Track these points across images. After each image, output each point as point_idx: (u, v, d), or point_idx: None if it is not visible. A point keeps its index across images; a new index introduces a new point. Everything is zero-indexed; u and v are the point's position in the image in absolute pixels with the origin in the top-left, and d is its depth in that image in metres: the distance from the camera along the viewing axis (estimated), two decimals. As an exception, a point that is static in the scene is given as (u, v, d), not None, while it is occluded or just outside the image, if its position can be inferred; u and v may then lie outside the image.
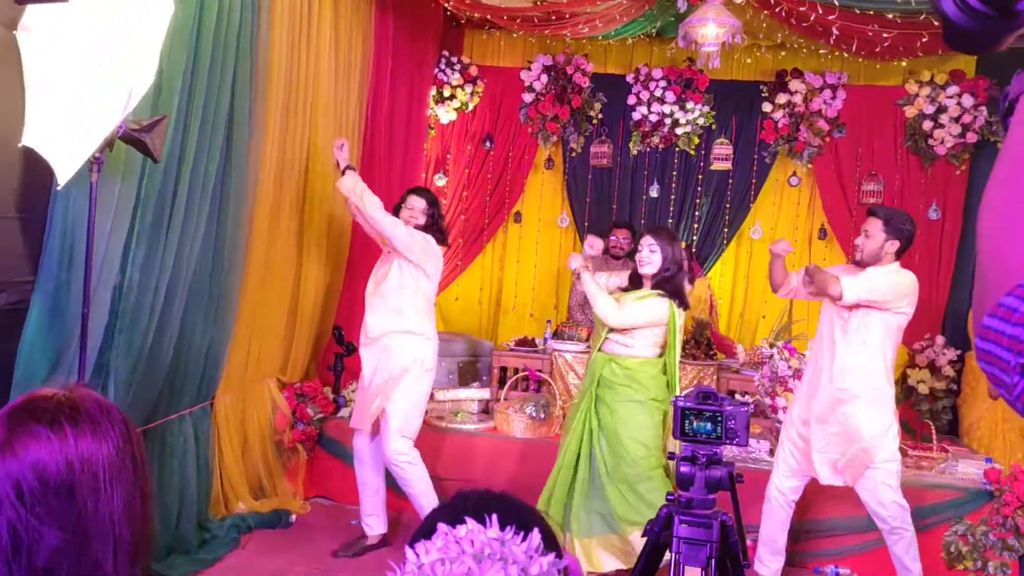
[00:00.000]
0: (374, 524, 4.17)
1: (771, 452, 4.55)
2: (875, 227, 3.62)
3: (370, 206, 3.94)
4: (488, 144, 6.65)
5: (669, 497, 1.89)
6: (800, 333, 5.38)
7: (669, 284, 3.76)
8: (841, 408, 3.64)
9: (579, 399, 3.90)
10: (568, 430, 3.87)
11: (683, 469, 1.85)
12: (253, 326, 4.38)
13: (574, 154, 6.63)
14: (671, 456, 1.93)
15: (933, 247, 6.00)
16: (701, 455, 1.83)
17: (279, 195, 4.41)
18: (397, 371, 4.00)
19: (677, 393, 3.86)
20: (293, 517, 4.50)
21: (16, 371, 2.84)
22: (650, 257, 3.72)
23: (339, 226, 5.10)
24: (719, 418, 1.86)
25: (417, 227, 4.03)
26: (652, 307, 3.72)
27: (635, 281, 3.88)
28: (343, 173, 4.06)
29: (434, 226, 4.10)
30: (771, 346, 4.91)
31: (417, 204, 4.08)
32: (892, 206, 4.61)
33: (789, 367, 4.73)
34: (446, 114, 6.56)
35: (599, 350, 3.84)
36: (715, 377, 5.19)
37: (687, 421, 1.87)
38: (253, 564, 3.94)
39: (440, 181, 6.63)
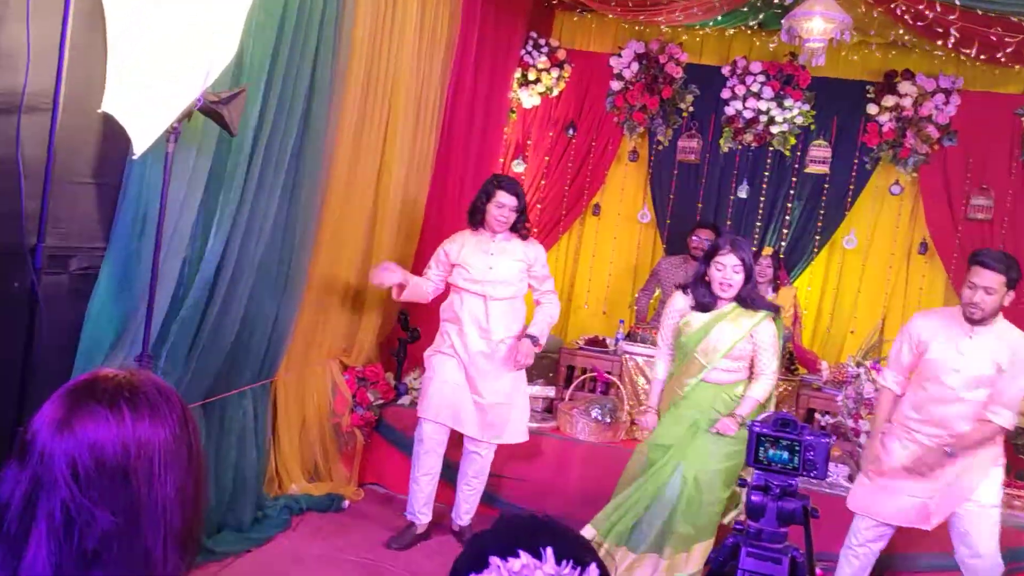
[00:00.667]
0: (428, 513, 4.23)
1: (850, 478, 4.42)
2: (996, 282, 3.40)
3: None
4: (571, 132, 6.61)
5: (737, 526, 1.84)
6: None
7: (753, 294, 3.71)
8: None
9: (676, 425, 3.76)
10: (662, 450, 3.75)
11: (754, 499, 1.79)
12: (320, 306, 4.45)
13: (660, 147, 6.53)
14: (741, 483, 1.87)
15: (1045, 270, 5.71)
16: (775, 485, 1.77)
17: (353, 174, 4.45)
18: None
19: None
20: (346, 503, 4.56)
21: (83, 337, 2.93)
22: (733, 278, 3.65)
23: (412, 209, 5.13)
24: (797, 448, 1.79)
25: (503, 224, 4.05)
26: (774, 335, 3.72)
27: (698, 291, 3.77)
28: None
29: (520, 222, 4.13)
30: (858, 365, 4.77)
31: (508, 202, 4.07)
32: (995, 248, 4.27)
33: (876, 389, 4.57)
34: (529, 98, 6.54)
35: (702, 380, 3.74)
36: (795, 394, 5.06)
37: (762, 448, 1.81)
38: (302, 548, 4.02)
39: (518, 167, 6.61)
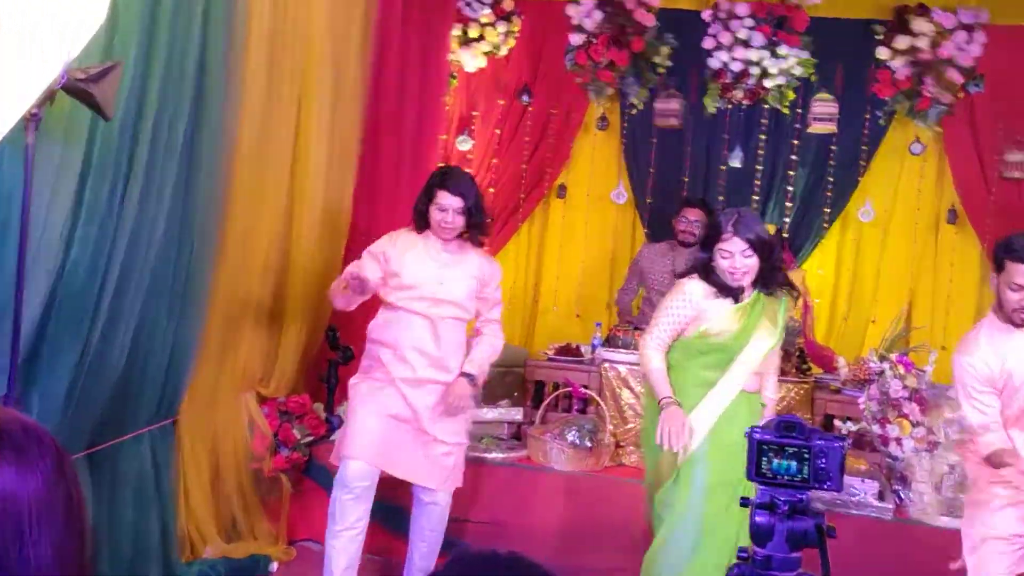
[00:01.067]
0: None
1: (880, 495, 4.51)
2: None
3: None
4: (525, 98, 6.65)
5: (741, 554, 1.88)
6: (921, 343, 5.32)
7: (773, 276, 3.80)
8: None
9: (730, 459, 3.48)
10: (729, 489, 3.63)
11: (759, 519, 1.83)
12: (228, 325, 4.43)
13: (634, 112, 6.60)
14: (744, 502, 1.91)
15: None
16: (782, 502, 1.81)
17: (262, 166, 4.43)
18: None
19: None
20: (274, 565, 4.55)
21: (-67, 377, 2.89)
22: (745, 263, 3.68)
23: (336, 205, 5.13)
24: (806, 455, 1.83)
25: (448, 231, 4.02)
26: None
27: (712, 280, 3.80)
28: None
29: (476, 227, 4.10)
30: (882, 359, 4.86)
31: (452, 204, 3.98)
32: None
33: (905, 387, 4.68)
34: (473, 60, 6.57)
35: (742, 391, 3.77)
36: (809, 398, 5.15)
37: (764, 459, 1.85)
38: (223, 622, 3.99)
39: (464, 145, 6.65)
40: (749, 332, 3.73)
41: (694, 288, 3.75)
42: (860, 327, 6.51)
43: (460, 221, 4.00)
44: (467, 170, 5.99)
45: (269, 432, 4.75)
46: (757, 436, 1.87)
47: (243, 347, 4.61)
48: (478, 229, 4.09)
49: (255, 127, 4.31)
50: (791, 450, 1.85)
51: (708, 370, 3.76)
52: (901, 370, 4.75)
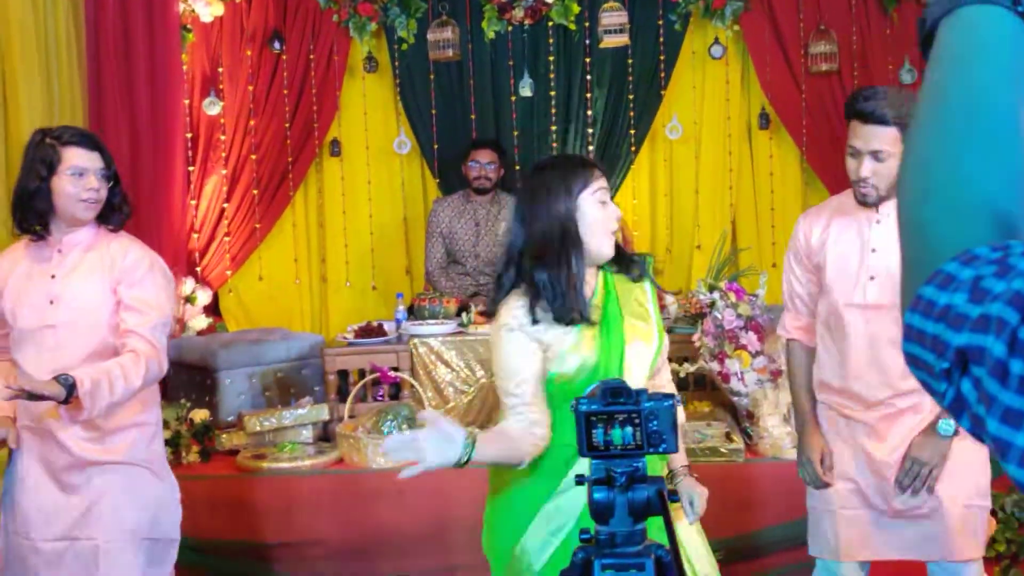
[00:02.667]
0: None
1: (728, 436, 4.79)
2: (892, 142, 3.07)
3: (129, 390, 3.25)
4: (277, 45, 6.58)
5: (584, 536, 1.99)
6: (749, 266, 5.63)
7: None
8: None
9: None
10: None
11: (597, 496, 1.94)
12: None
13: (405, 47, 6.65)
14: (580, 480, 2.03)
15: (913, 121, 6.35)
16: (619, 474, 1.93)
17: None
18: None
19: None
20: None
21: None
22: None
23: None
24: (637, 420, 1.96)
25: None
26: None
27: None
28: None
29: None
30: (711, 289, 5.12)
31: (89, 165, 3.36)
32: (896, 91, 3.79)
33: (739, 316, 4.95)
34: (207, 8, 6.43)
35: None
36: (641, 343, 5.37)
37: (594, 431, 1.96)
38: None
39: (213, 109, 6.52)
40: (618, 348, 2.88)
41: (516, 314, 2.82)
42: (685, 256, 6.82)
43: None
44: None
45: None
46: (583, 408, 1.98)
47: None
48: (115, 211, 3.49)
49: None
50: (621, 417, 1.97)
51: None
52: (733, 298, 5.01)
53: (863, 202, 3.22)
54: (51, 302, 3.33)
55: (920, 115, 0.92)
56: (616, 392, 2.00)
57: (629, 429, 2.01)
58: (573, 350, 2.78)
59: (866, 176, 3.14)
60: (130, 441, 3.44)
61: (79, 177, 3.28)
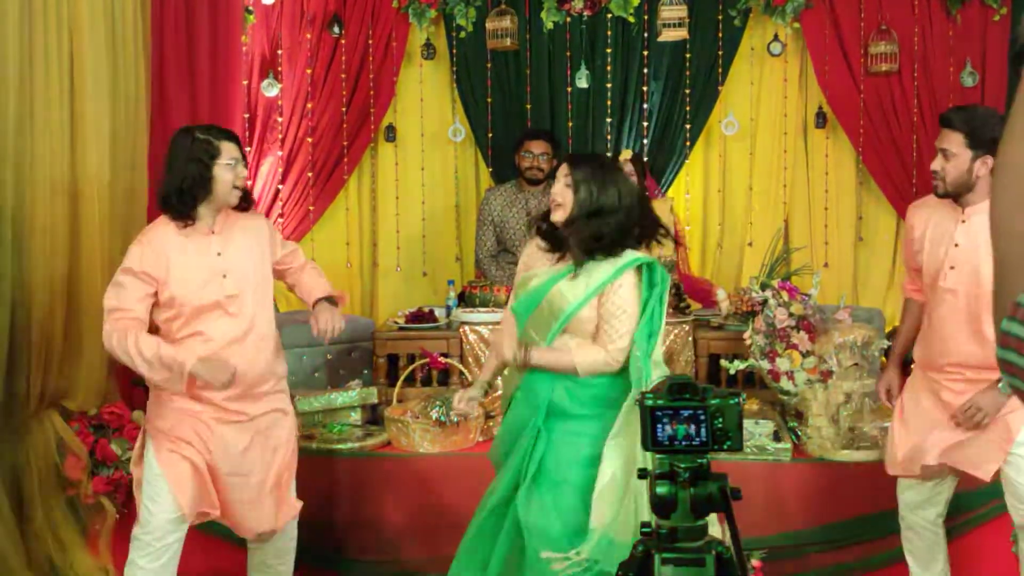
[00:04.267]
0: None
1: (776, 435, 4.78)
2: (954, 142, 3.74)
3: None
4: (336, 29, 6.61)
5: (645, 529, 2.00)
6: (803, 265, 5.60)
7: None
8: None
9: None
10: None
11: (660, 491, 1.95)
12: (13, 335, 4.33)
13: (463, 35, 6.65)
14: (642, 474, 2.04)
15: (974, 125, 6.29)
16: (682, 469, 1.94)
17: (30, 138, 4.32)
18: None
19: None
20: (105, 604, 4.51)
21: None
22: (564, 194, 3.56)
23: (128, 178, 5.03)
24: (702, 417, 1.96)
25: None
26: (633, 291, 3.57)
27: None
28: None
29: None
30: (764, 287, 5.10)
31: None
32: (975, 106, 4.91)
33: (791, 315, 4.93)
34: (268, -11, 6.49)
35: None
36: (691, 338, 5.36)
37: (659, 426, 1.97)
38: None
39: (271, 90, 6.57)
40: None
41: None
42: (736, 253, 6.79)
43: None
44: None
45: (83, 451, 4.66)
46: (649, 403, 1.99)
47: (37, 358, 4.51)
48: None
49: (10, 91, 4.20)
50: (686, 413, 1.98)
51: None
52: (785, 297, 4.99)
53: (935, 193, 3.87)
54: (224, 276, 3.81)
55: (1016, 126, 0.92)
56: (682, 388, 2.01)
57: (693, 426, 2.01)
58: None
59: (935, 169, 3.80)
60: None
61: (233, 166, 3.76)
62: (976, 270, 3.73)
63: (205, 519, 3.98)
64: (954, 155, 3.74)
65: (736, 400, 1.99)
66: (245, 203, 3.94)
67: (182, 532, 3.89)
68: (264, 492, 3.98)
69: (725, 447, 1.99)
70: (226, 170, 3.76)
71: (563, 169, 3.60)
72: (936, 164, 3.79)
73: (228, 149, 3.78)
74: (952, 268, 3.83)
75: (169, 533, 3.82)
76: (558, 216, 3.57)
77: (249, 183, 3.97)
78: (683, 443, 1.98)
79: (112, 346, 3.71)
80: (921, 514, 4.13)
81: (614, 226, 3.51)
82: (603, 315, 3.52)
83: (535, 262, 3.72)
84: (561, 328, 3.56)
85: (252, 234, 3.94)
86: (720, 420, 1.97)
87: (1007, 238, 0.89)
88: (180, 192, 3.73)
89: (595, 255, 3.52)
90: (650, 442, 1.99)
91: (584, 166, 3.58)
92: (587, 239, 3.50)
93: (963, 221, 3.83)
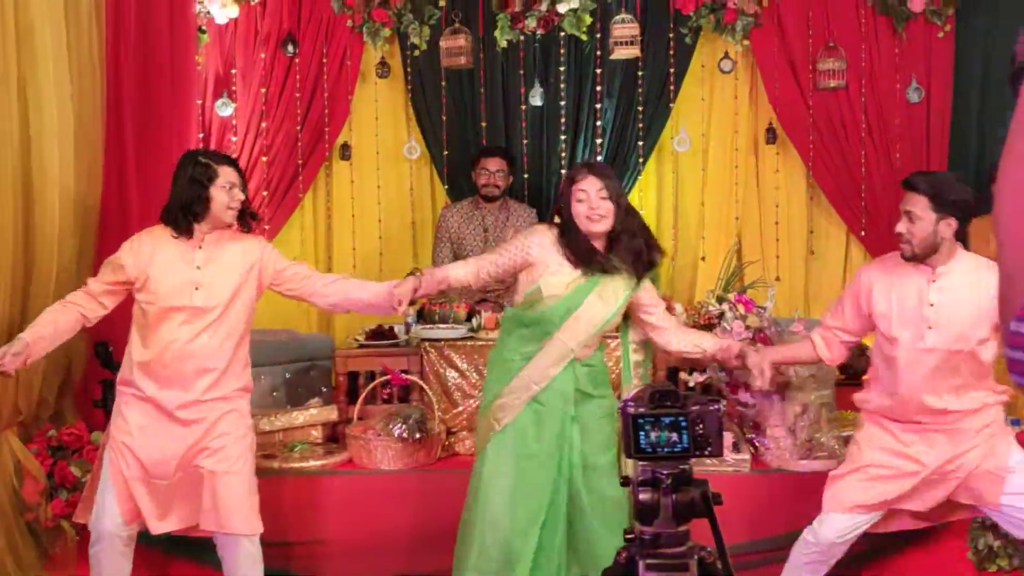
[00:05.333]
0: None
1: (735, 446, 4.83)
2: (919, 205, 3.85)
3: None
4: (290, 48, 6.61)
5: (627, 535, 2.03)
6: (757, 278, 5.68)
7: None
8: None
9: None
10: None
11: (643, 497, 1.98)
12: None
13: (417, 53, 6.68)
14: (624, 481, 2.07)
15: (919, 137, 6.42)
16: (665, 476, 1.97)
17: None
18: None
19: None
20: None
21: None
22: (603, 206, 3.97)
23: (83, 191, 5.01)
24: (683, 424, 2.00)
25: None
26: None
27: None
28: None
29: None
30: (720, 301, 5.17)
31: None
32: (937, 172, 5.22)
33: (747, 327, 5.00)
34: (223, 10, 6.46)
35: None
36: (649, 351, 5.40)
37: (641, 433, 2.01)
38: None
39: (225, 110, 6.54)
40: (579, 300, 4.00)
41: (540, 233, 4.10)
42: (689, 268, 6.87)
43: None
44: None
45: (41, 474, 4.62)
46: (631, 411, 2.02)
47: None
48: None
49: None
50: (668, 420, 2.02)
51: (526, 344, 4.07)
52: (742, 310, 5.07)
53: (903, 256, 3.96)
54: (196, 288, 4.02)
55: (1016, 142, 0.97)
56: (663, 396, 2.04)
57: (674, 433, 2.05)
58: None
59: (901, 232, 3.90)
60: None
61: (230, 189, 4.05)
62: (955, 328, 3.88)
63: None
64: (919, 217, 3.85)
65: (716, 407, 2.03)
66: (245, 225, 4.21)
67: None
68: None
69: (706, 452, 2.03)
70: (222, 192, 4.05)
71: (593, 182, 3.92)
72: (901, 227, 3.90)
73: (226, 173, 4.08)
74: (930, 328, 3.91)
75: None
76: (602, 227, 3.92)
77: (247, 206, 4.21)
78: (665, 449, 2.01)
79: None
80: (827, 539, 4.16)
81: (644, 242, 4.02)
82: (645, 305, 4.13)
83: (548, 256, 4.00)
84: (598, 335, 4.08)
85: (240, 255, 4.15)
86: (701, 426, 2.01)
87: (1013, 245, 0.93)
88: (181, 208, 4.05)
89: (640, 270, 4.02)
90: (633, 449, 2.02)
91: (611, 179, 3.99)
92: (634, 252, 3.98)
93: (934, 281, 3.94)
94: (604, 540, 3.87)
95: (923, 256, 3.91)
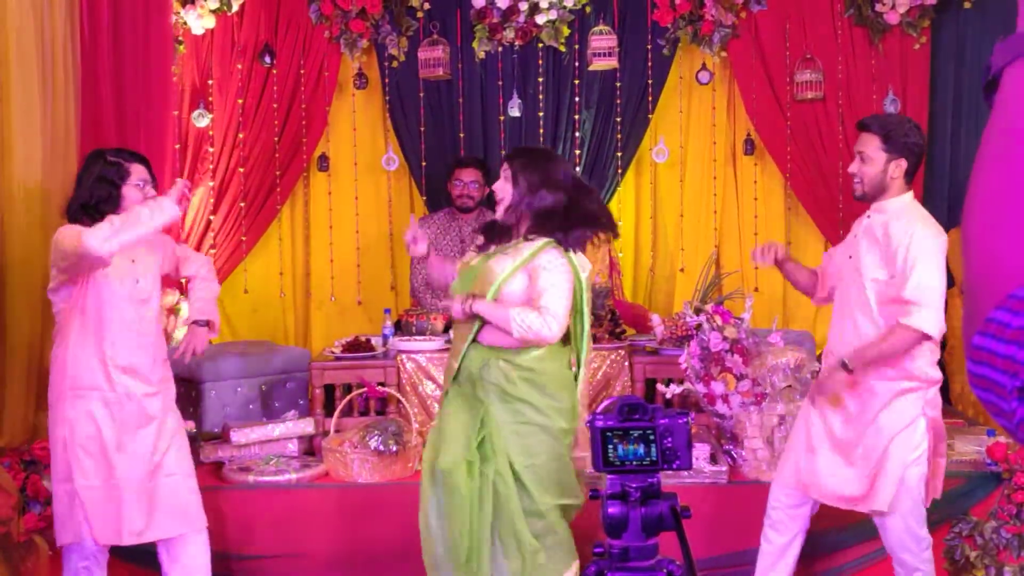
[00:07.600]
0: None
1: (712, 458, 4.83)
2: (871, 145, 3.91)
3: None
4: (268, 59, 6.60)
5: (597, 549, 2.03)
6: (735, 289, 5.69)
7: (554, 223, 3.83)
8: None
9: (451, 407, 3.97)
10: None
11: (612, 511, 1.98)
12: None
13: (395, 64, 6.69)
14: (594, 494, 2.06)
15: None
16: (634, 489, 1.97)
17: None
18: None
19: (582, 386, 4.09)
20: (40, 645, 4.42)
21: None
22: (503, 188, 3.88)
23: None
24: (651, 437, 2.00)
25: None
26: (560, 268, 3.80)
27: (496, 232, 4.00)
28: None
29: None
30: (698, 312, 5.17)
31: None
32: (890, 113, 5.25)
33: (725, 339, 5.00)
34: (199, 20, 6.45)
35: (474, 340, 3.90)
36: (627, 363, 5.41)
37: (610, 446, 2.00)
38: None
39: (202, 121, 6.53)
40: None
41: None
42: (668, 279, 6.89)
43: None
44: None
45: (14, 488, 4.59)
46: (600, 424, 2.02)
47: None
48: None
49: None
50: (636, 433, 2.02)
51: None
52: (719, 321, 5.07)
53: (854, 195, 4.06)
54: (137, 281, 4.12)
55: (988, 152, 0.97)
56: (632, 409, 2.04)
57: (643, 446, 2.05)
58: None
59: (853, 172, 3.98)
60: None
61: (143, 187, 4.08)
62: (856, 265, 3.97)
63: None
64: (870, 158, 3.92)
65: (684, 420, 2.03)
66: None
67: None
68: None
69: (674, 466, 2.03)
70: (135, 190, 4.07)
71: (503, 166, 3.89)
72: (853, 167, 3.98)
73: (137, 171, 4.11)
74: (851, 257, 4.05)
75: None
76: (499, 209, 3.87)
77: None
78: (633, 463, 2.01)
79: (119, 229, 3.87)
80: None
81: (566, 202, 3.77)
82: (537, 290, 3.78)
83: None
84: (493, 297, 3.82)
85: (158, 248, 4.31)
86: (669, 439, 2.01)
87: (979, 257, 0.93)
88: (85, 207, 4.03)
89: (549, 230, 3.77)
90: (601, 462, 2.02)
91: (520, 157, 3.90)
92: (540, 215, 3.78)
93: (868, 217, 4.01)
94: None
95: (873, 196, 3.97)
